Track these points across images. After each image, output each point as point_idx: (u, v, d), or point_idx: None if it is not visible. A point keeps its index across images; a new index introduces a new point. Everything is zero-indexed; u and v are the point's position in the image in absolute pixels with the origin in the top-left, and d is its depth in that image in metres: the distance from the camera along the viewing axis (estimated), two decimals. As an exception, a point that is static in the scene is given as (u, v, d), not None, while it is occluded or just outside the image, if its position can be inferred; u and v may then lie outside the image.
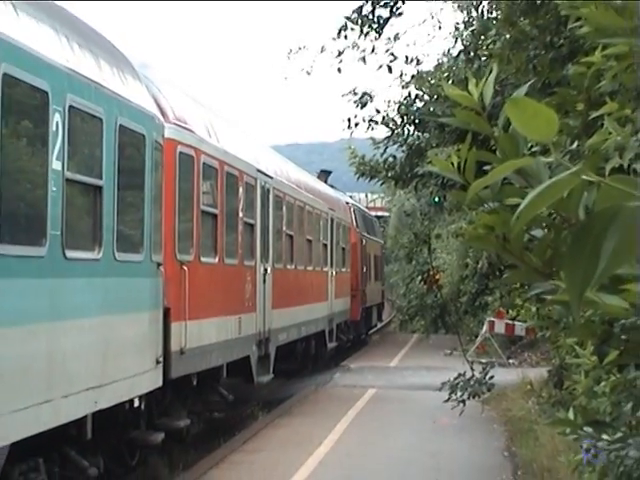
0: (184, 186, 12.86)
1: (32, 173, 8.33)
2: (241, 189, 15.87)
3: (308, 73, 16.07)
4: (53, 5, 9.66)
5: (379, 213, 45.46)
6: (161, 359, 11.45)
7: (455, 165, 2.30)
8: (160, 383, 11.36)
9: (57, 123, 8.52)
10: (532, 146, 2.19)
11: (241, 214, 15.89)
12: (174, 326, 12.06)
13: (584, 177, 1.47)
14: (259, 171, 17.23)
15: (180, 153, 12.72)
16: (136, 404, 10.85)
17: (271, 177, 18.23)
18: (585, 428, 4.15)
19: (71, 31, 9.51)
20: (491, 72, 2.29)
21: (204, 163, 13.72)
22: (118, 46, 11.44)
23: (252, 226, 16.63)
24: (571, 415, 5.00)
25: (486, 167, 2.17)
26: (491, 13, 14.75)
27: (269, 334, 17.64)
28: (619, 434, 3.70)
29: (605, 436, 3.82)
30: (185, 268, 12.65)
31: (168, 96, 13.02)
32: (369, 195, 49.08)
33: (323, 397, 19.35)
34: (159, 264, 11.40)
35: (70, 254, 8.74)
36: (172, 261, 12.21)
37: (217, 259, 14.46)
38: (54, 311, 8.54)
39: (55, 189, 8.45)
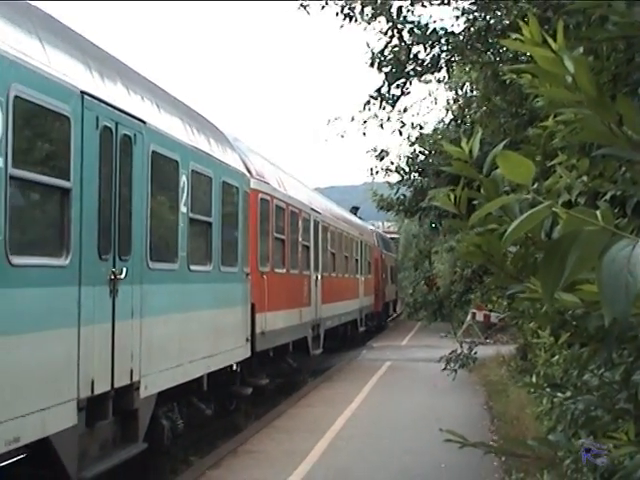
0: (263, 221, 12.83)
1: (169, 214, 8.46)
2: (300, 222, 15.80)
3: (342, 136, 16.03)
4: (180, 103, 9.86)
5: (393, 235, 44.58)
6: (249, 338, 11.43)
7: (452, 200, 2.23)
8: (249, 354, 11.37)
9: (184, 182, 8.66)
10: (505, 188, 2.11)
11: (300, 239, 15.80)
12: (257, 316, 12.03)
13: (554, 209, 1.41)
14: (312, 209, 17.12)
15: (261, 199, 12.76)
16: (234, 368, 10.95)
17: (320, 213, 18.08)
18: (546, 389, 3.99)
19: (191, 119, 9.68)
20: (477, 133, 2.20)
21: (276, 205, 13.70)
22: (220, 127, 11.55)
23: (307, 247, 16.49)
24: (534, 379, 4.98)
25: (474, 202, 2.16)
26: (472, 92, 14.60)
27: (320, 321, 17.50)
28: (569, 393, 3.55)
29: (559, 394, 3.66)
30: (264, 277, 12.66)
31: (251, 159, 12.96)
32: (386, 223, 48.13)
33: (354, 367, 18.93)
34: (247, 274, 11.35)
35: (193, 267, 8.84)
36: (256, 272, 12.17)
37: (285, 270, 14.38)
38: (183, 306, 8.63)
39: (182, 225, 8.58)
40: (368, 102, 10.25)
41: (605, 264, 1.22)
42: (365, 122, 12.55)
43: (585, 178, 2.77)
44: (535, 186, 1.98)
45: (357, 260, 24.58)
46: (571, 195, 2.93)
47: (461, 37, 8.97)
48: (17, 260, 5.24)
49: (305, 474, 8.28)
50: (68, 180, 6.00)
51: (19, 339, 5.29)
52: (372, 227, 33.22)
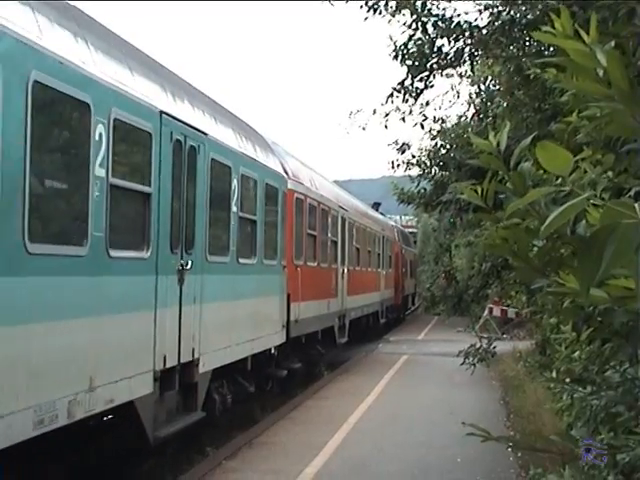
0: (298, 218, 13.44)
1: (222, 214, 9.29)
2: (329, 219, 16.38)
3: (363, 129, 15.29)
4: (231, 114, 10.68)
5: (411, 230, 43.84)
6: (285, 325, 12.06)
7: (479, 194, 2.14)
8: (284, 339, 12.00)
9: (235, 185, 9.51)
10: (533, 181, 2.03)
11: (329, 234, 16.30)
12: (292, 305, 12.54)
13: (592, 201, 1.34)
14: (339, 206, 17.64)
15: (296, 198, 13.37)
16: (272, 351, 11.64)
17: (346, 210, 18.54)
18: (566, 385, 3.88)
19: (239, 127, 10.54)
20: (505, 127, 2.11)
21: (309, 204, 14.35)
22: (262, 133, 12.33)
23: (335, 242, 16.96)
24: (554, 375, 4.94)
25: (501, 196, 2.07)
26: (495, 86, 14.07)
27: (345, 312, 17.88)
28: (589, 389, 3.42)
29: (580, 389, 3.55)
30: (298, 269, 13.24)
31: (288, 161, 13.52)
32: (404, 217, 46.44)
33: (370, 361, 18.39)
34: (284, 266, 12.02)
35: (241, 260, 9.70)
36: (291, 265, 12.73)
37: (316, 263, 14.92)
38: (233, 294, 9.48)
39: (233, 223, 9.45)
40: (391, 95, 9.98)
41: None
42: (387, 115, 12.02)
43: (610, 174, 2.63)
44: (559, 181, 1.93)
45: (379, 254, 24.91)
46: (596, 190, 2.79)
47: (485, 31, 8.65)
48: (114, 253, 6.25)
49: (321, 466, 8.08)
50: (149, 186, 6.99)
51: (112, 318, 6.28)
52: (393, 223, 33.16)
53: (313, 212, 14.87)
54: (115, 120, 6.24)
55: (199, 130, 8.29)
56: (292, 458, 8.38)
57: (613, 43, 1.45)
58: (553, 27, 1.50)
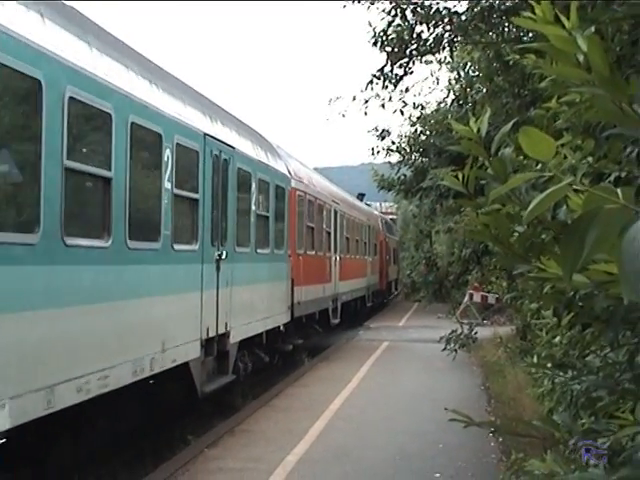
0: (299, 212, 14.42)
1: (245, 212, 10.56)
2: (324, 212, 17.33)
3: (343, 116, 14.31)
4: (250, 128, 11.91)
5: (392, 216, 42.60)
6: (289, 306, 13.08)
7: (460, 180, 2.01)
8: (289, 319, 13.07)
9: (254, 187, 10.82)
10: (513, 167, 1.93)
11: (324, 226, 17.21)
12: (295, 289, 13.52)
13: (574, 186, 1.29)
14: (333, 200, 18.60)
15: (298, 195, 14.36)
16: (281, 328, 12.70)
17: (338, 203, 19.48)
18: (547, 370, 3.76)
19: (255, 138, 11.81)
20: (485, 113, 1.99)
21: (308, 200, 15.38)
22: (270, 140, 13.48)
23: (329, 233, 17.90)
24: (535, 360, 4.68)
25: (482, 182, 1.97)
26: (474, 72, 13.61)
27: (337, 296, 18.71)
28: (570, 373, 3.27)
29: (561, 374, 3.39)
30: (300, 258, 14.15)
31: (291, 163, 14.49)
32: (384, 203, 44.78)
33: (351, 347, 17.56)
34: (289, 255, 13.17)
35: (259, 251, 11.04)
36: (294, 253, 13.73)
37: (314, 252, 15.89)
38: (252, 279, 10.74)
39: (253, 219, 10.79)
40: (371, 82, 9.61)
41: (625, 243, 1.08)
42: (367, 102, 11.49)
43: (590, 159, 2.51)
44: (539, 167, 1.84)
45: (365, 243, 25.60)
46: (576, 176, 2.49)
47: (464, 17, 8.32)
48: (177, 247, 7.82)
49: (303, 453, 7.78)
50: (197, 193, 8.57)
51: (175, 296, 7.82)
52: (377, 212, 33.42)
53: (311, 206, 15.89)
54: (177, 144, 7.81)
55: (229, 145, 9.81)
56: (274, 445, 8.08)
57: (593, 28, 1.40)
58: (533, 13, 1.45)
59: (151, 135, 7.09)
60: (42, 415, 4.99)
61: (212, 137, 8.93)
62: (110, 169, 6.12)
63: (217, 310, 9.00)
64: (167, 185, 7.43)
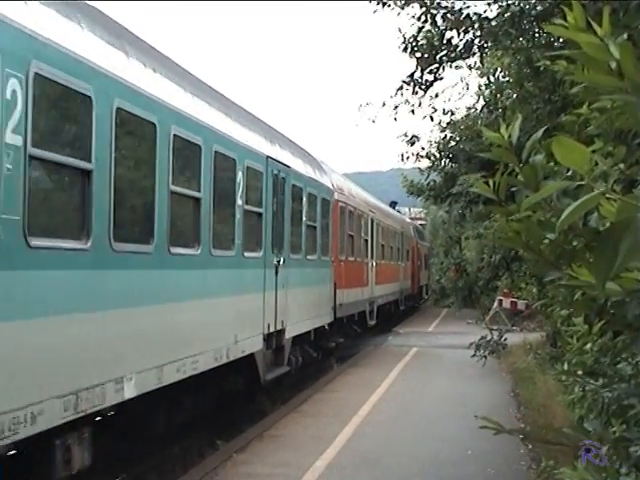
0: (341, 222, 15.19)
1: (298, 224, 11.54)
2: (362, 221, 17.99)
3: (373, 121, 13.91)
4: (300, 147, 12.89)
5: (421, 222, 41.94)
6: (333, 307, 13.89)
7: (491, 187, 1.92)
8: (333, 319, 13.91)
9: (305, 201, 11.85)
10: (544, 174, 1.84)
11: (362, 234, 17.89)
12: (338, 292, 14.31)
13: (608, 195, 1.25)
14: (370, 210, 19.22)
15: (340, 206, 15.21)
16: (325, 327, 13.53)
17: (374, 212, 20.11)
18: (578, 377, 3.69)
19: (306, 157, 12.78)
20: (517, 119, 1.91)
21: (349, 210, 16.26)
22: (314, 155, 14.34)
23: (366, 240, 18.49)
24: (565, 367, 4.61)
25: (512, 188, 1.91)
26: (504, 78, 13.28)
27: (374, 299, 19.28)
28: (601, 381, 3.19)
29: (592, 382, 3.31)
30: (342, 263, 14.98)
31: (334, 177, 15.32)
32: (413, 209, 43.75)
33: (380, 353, 17.30)
34: (332, 261, 14.09)
35: (308, 257, 11.99)
36: (337, 260, 14.56)
37: (354, 258, 16.67)
38: (303, 282, 11.62)
39: (304, 229, 11.80)
40: (401, 87, 9.51)
41: None
42: (396, 107, 11.23)
43: (622, 166, 2.43)
44: (569, 173, 1.80)
45: (399, 249, 26.27)
46: (607, 183, 2.38)
47: (494, 22, 8.16)
48: (246, 254, 8.92)
49: (332, 459, 7.61)
50: (261, 207, 9.72)
51: (245, 296, 8.98)
52: (409, 220, 33.87)
53: (351, 216, 16.76)
54: (247, 167, 9.04)
55: (285, 165, 10.93)
56: (303, 451, 7.93)
57: (626, 35, 1.35)
58: (564, 19, 1.39)
59: (228, 161, 8.35)
60: (153, 389, 6.10)
61: (272, 159, 10.10)
62: (200, 191, 7.44)
63: (276, 309, 10.13)
64: (239, 202, 8.70)
